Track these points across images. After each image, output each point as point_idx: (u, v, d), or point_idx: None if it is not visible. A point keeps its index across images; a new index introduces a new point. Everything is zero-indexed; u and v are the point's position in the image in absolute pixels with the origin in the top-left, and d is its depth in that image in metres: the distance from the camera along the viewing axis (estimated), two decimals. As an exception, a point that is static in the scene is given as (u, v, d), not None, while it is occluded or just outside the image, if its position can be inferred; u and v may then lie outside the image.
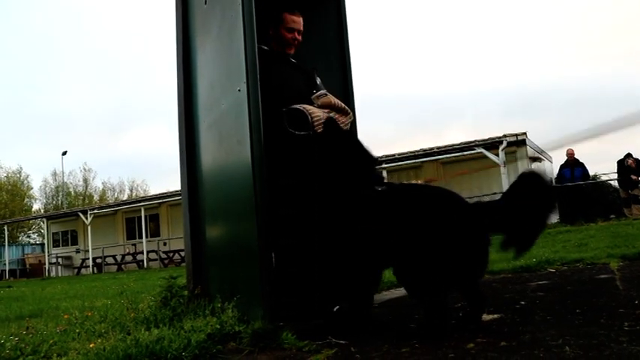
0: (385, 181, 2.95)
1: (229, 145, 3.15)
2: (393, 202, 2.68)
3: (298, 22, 3.38)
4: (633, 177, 14.89)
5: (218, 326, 2.72)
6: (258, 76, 2.94)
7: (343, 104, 3.31)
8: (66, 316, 3.94)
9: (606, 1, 64.73)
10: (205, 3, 3.46)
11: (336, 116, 3.20)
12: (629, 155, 15.01)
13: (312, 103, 3.18)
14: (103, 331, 3.05)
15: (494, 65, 66.92)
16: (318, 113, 3.08)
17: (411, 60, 69.18)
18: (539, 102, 60.01)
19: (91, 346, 2.65)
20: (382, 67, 66.01)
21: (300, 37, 3.40)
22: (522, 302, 3.14)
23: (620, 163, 15.15)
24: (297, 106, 3.09)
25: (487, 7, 66.44)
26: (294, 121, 3.07)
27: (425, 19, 69.90)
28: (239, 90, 2.99)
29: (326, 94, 3.25)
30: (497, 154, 16.37)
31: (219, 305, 3.00)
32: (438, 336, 2.39)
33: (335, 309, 3.13)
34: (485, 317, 2.75)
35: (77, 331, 3.15)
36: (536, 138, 18.16)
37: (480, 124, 58.62)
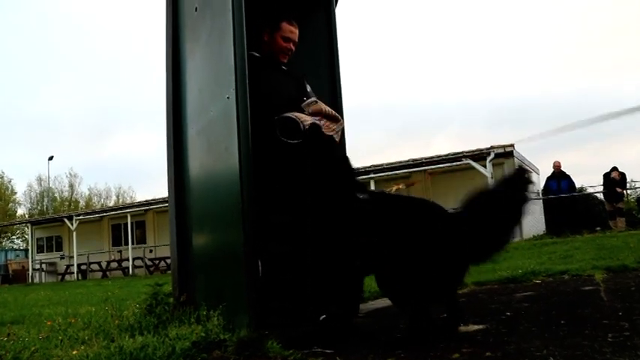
0: (366, 189, 2.98)
1: (217, 151, 3.14)
2: (375, 211, 2.69)
3: (295, 33, 3.40)
4: (618, 190, 15.08)
5: (203, 334, 2.70)
6: (247, 83, 2.94)
7: (334, 111, 3.32)
8: (49, 323, 3.89)
9: (606, 3, 65.56)
10: (195, 10, 3.46)
11: (327, 123, 3.21)
12: (614, 169, 15.21)
13: (302, 111, 3.19)
14: (86, 338, 3.02)
15: (485, 76, 67.53)
16: (309, 121, 3.08)
17: (400, 69, 69.66)
18: (529, 115, 60.57)
19: (74, 353, 2.62)
20: (370, 76, 66.30)
21: (294, 48, 3.41)
22: (508, 313, 3.15)
23: (606, 176, 15.35)
24: (289, 114, 3.10)
25: (478, 17, 67.03)
26: (285, 129, 3.08)
27: (414, 29, 70.55)
28: (228, 97, 2.99)
29: (316, 102, 3.26)
30: (484, 166, 16.48)
31: (204, 313, 2.98)
32: (421, 342, 2.40)
33: (322, 318, 3.12)
34: (471, 327, 2.75)
35: (60, 337, 3.10)
36: (524, 150, 18.31)
37: (468, 135, 59.07)
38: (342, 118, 3.73)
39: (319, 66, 3.91)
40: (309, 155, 3.00)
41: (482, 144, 17.39)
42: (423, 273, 2.45)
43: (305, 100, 3.26)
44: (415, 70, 69.93)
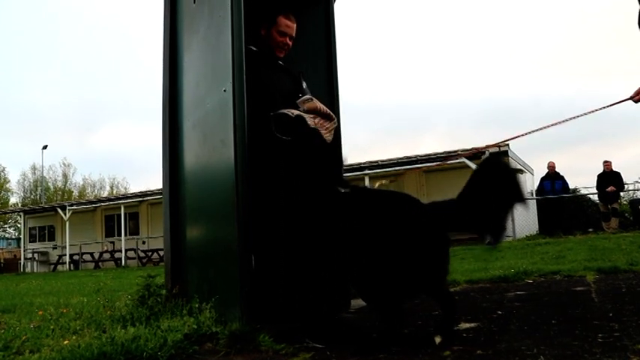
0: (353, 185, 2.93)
1: (213, 144, 3.14)
2: (350, 206, 2.62)
3: (292, 27, 3.36)
4: (611, 188, 15.03)
5: (195, 326, 2.70)
6: (244, 77, 2.94)
7: (328, 110, 3.31)
8: (40, 313, 3.88)
9: (596, 8, 65.59)
10: (194, 2, 3.45)
11: (321, 121, 3.20)
12: (606, 162, 15.16)
13: (297, 107, 3.18)
14: (77, 328, 3.02)
15: (473, 77, 67.59)
16: (297, 113, 3.07)
17: (387, 69, 69.62)
18: (517, 116, 60.69)
19: (65, 343, 2.62)
20: (358, 74, 66.05)
21: (290, 43, 3.38)
22: (499, 312, 3.16)
23: (600, 176, 15.36)
24: (284, 111, 3.08)
25: (467, 18, 67.03)
26: (280, 125, 3.06)
27: (401, 28, 70.51)
28: (224, 90, 2.98)
29: (311, 99, 3.25)
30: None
31: (196, 305, 2.98)
32: (390, 344, 2.36)
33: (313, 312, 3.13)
34: (463, 326, 2.76)
35: (51, 327, 3.10)
36: (518, 149, 18.35)
37: (456, 135, 59.17)
38: (339, 113, 3.73)
39: (317, 61, 3.90)
40: (292, 147, 2.95)
41: (470, 144, 17.44)
42: (395, 270, 2.36)
43: (300, 97, 3.25)
44: (402, 69, 69.91)
